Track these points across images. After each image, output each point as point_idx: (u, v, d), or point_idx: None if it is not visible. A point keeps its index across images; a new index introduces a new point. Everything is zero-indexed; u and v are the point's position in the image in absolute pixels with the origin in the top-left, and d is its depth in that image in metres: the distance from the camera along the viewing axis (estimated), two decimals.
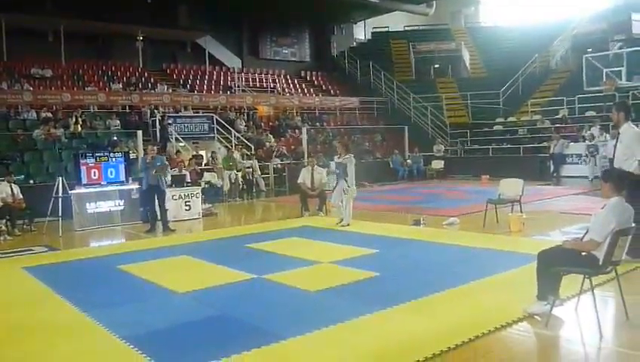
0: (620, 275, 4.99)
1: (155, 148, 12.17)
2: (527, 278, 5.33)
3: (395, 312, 5.25)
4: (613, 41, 20.34)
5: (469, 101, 25.41)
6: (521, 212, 9.98)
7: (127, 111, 20.92)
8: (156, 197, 11.30)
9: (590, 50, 19.00)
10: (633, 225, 4.81)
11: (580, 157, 18.34)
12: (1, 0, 20.63)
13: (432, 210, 12.42)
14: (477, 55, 29.97)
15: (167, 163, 12.29)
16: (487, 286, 6.12)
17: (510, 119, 24.01)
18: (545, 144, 20.02)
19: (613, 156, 6.97)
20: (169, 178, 12.29)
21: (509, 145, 21.98)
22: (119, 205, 12.35)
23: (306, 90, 28.21)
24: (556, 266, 4.80)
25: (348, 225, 10.67)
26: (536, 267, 5.00)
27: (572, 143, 18.87)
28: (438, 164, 22.35)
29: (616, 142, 7.00)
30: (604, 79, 16.21)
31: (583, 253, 4.78)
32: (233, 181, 16.98)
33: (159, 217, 11.56)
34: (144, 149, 11.68)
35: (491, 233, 9.33)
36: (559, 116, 21.84)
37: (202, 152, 19.26)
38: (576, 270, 4.78)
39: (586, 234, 4.84)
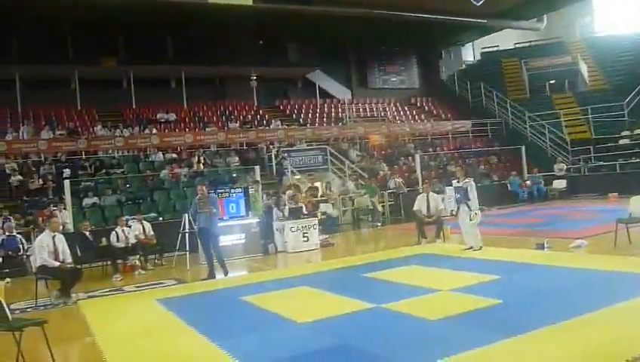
0: None
1: (205, 187, 11.01)
2: None
3: (521, 342, 5.04)
4: None
5: (589, 115, 24.05)
6: None
7: (245, 148, 21.85)
8: (210, 241, 10.46)
9: None
10: None
11: None
12: (129, 54, 22.62)
13: (557, 233, 11.85)
14: (595, 67, 28.32)
15: (216, 203, 10.88)
16: (620, 312, 5.73)
17: (637, 131, 22.41)
18: None
19: None
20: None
21: (638, 160, 20.52)
22: (241, 238, 12.85)
23: (416, 116, 28.04)
24: None
25: (480, 248, 10.47)
26: None
27: None
28: (560, 184, 21.30)
29: None
30: None
31: None
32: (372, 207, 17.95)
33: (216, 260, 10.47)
34: (202, 190, 10.64)
35: (623, 255, 8.74)
36: None
37: (317, 184, 19.65)
38: None
39: None
